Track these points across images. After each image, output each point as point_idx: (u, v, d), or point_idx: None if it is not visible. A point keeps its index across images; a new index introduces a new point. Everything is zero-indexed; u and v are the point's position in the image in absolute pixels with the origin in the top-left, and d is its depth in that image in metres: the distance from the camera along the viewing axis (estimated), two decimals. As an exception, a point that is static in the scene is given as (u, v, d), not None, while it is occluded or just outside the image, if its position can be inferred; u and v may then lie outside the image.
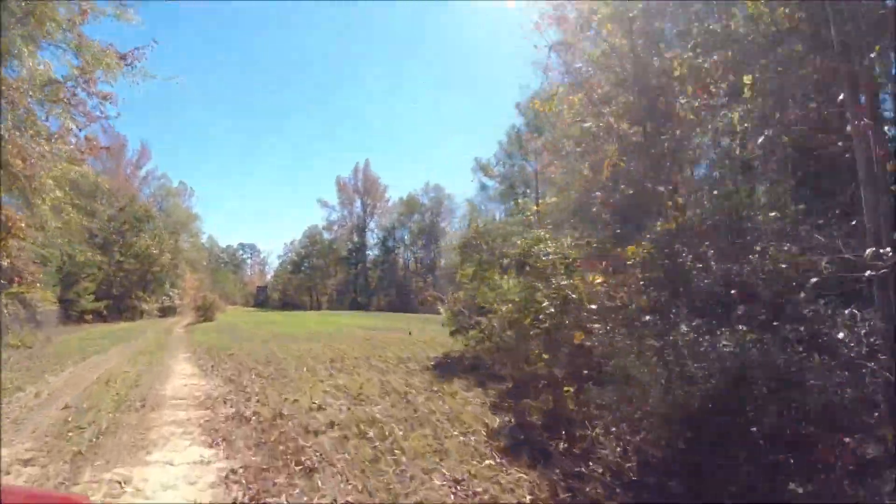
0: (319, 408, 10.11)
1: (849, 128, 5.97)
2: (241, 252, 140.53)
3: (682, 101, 9.26)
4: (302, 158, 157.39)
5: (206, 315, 39.68)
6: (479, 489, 6.31)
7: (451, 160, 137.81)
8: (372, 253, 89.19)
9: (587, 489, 6.39)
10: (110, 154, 58.97)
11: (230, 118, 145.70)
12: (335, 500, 5.98)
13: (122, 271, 56.60)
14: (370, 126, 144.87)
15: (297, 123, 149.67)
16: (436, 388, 11.83)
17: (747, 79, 7.43)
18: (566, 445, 7.74)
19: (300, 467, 6.91)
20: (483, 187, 63.25)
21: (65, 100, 14.74)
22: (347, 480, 6.52)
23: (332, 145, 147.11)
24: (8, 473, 6.59)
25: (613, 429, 7.48)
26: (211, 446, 7.92)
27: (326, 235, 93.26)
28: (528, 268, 11.53)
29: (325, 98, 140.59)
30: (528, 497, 6.21)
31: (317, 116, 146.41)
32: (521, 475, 6.79)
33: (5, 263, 19.61)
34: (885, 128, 6.60)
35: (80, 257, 43.54)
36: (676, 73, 8.94)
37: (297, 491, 6.20)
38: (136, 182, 63.77)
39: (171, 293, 65.04)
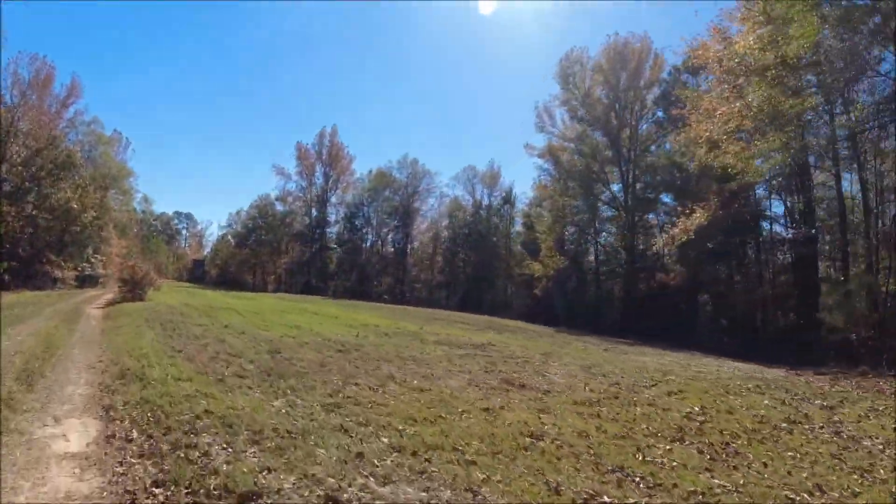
0: None
1: None
2: (175, 221, 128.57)
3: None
4: (255, 121, 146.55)
5: (133, 291, 30.66)
6: None
7: (429, 136, 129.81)
8: (333, 231, 79.88)
9: None
10: (33, 85, 49.09)
11: (178, 65, 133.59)
12: None
13: (33, 228, 46.38)
14: (339, 90, 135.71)
15: (256, 82, 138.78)
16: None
17: None
18: None
19: None
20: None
21: None
22: None
23: (293, 110, 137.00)
24: None
25: None
26: None
27: (279, 207, 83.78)
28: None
29: (289, 56, 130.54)
30: None
31: (279, 77, 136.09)
32: None
33: None
34: None
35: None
36: None
37: None
38: (60, 124, 52.42)
39: (92, 259, 54.88)
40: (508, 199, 62.75)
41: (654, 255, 43.08)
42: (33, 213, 46.48)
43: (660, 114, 42.95)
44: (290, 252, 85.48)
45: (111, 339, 14.01)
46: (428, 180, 73.76)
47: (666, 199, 43.01)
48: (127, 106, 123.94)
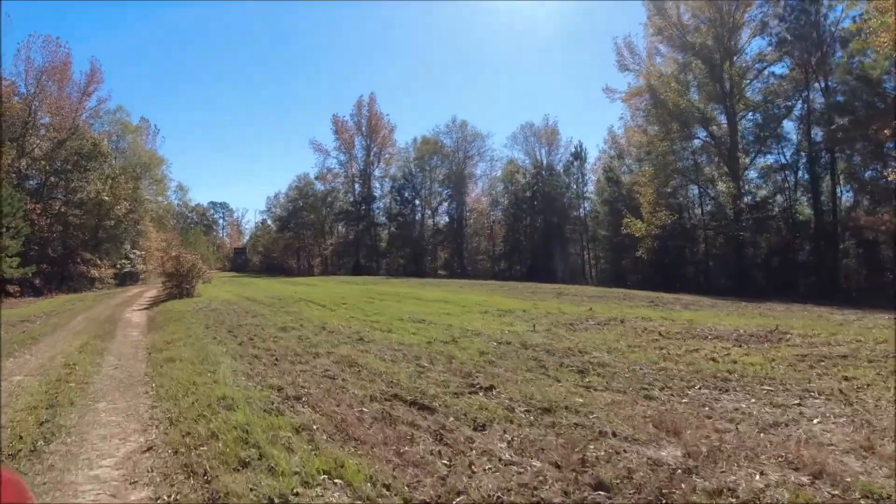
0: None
1: None
2: (211, 211, 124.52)
3: None
4: (285, 98, 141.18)
5: (180, 286, 25.65)
6: None
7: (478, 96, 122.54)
8: (379, 207, 74.28)
9: None
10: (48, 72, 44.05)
11: (199, 49, 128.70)
12: None
13: (64, 225, 41.85)
14: (373, 59, 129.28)
15: (280, 57, 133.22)
16: None
17: None
18: None
19: None
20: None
21: None
22: None
23: (326, 83, 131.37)
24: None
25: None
26: None
27: (319, 186, 78.42)
28: None
29: (316, 26, 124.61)
30: None
31: (306, 49, 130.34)
32: None
33: None
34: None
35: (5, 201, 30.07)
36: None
37: None
38: (83, 114, 47.26)
39: (131, 255, 50.36)
40: (578, 156, 55.94)
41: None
42: (62, 209, 41.92)
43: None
44: (335, 232, 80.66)
45: (162, 375, 8.38)
46: (479, 143, 67.51)
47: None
48: (147, 92, 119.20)
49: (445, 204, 69.42)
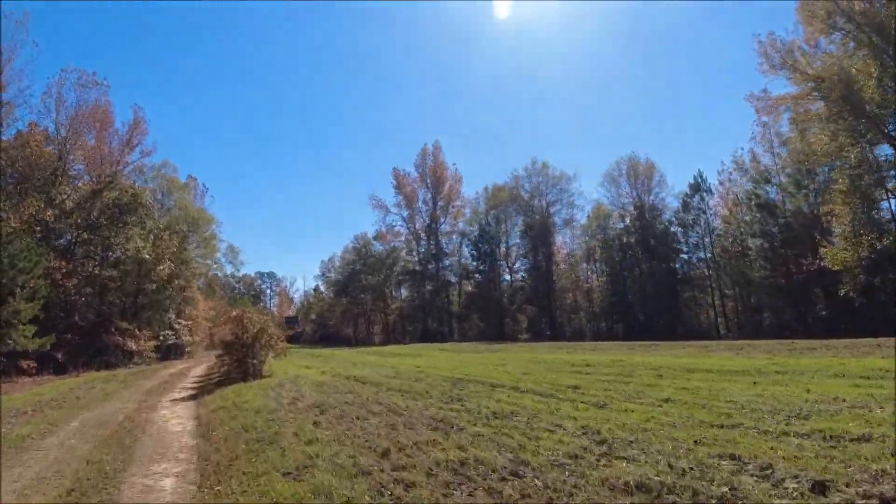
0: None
1: None
2: (259, 282, 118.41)
3: None
4: (337, 158, 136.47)
5: (245, 360, 17.54)
6: None
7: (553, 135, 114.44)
8: (449, 264, 66.22)
9: None
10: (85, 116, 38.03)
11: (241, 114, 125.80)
12: None
13: (97, 288, 34.68)
14: (434, 108, 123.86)
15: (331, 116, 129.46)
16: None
17: None
18: None
19: None
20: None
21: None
22: None
23: (379, 133, 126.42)
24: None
25: None
26: None
27: (379, 247, 71.14)
28: None
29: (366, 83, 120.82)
30: None
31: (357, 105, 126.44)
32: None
33: None
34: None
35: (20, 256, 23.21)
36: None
37: None
38: (124, 168, 40.95)
39: (175, 325, 42.85)
40: (699, 188, 46.49)
41: None
42: (95, 270, 34.85)
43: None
44: (399, 296, 72.76)
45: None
46: (564, 186, 59.16)
47: None
48: (187, 152, 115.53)
49: (529, 258, 60.47)
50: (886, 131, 28.36)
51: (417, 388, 12.44)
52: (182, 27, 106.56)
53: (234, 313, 20.34)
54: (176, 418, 11.01)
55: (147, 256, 36.41)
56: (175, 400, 14.18)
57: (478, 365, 18.80)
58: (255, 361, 17.97)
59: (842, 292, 28.36)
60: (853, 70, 28.00)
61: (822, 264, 30.19)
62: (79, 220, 34.63)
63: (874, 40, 28.44)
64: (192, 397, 14.54)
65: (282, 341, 21.20)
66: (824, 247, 29.13)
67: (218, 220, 53.98)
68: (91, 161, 36.96)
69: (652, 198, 52.93)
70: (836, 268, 27.98)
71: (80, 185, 35.81)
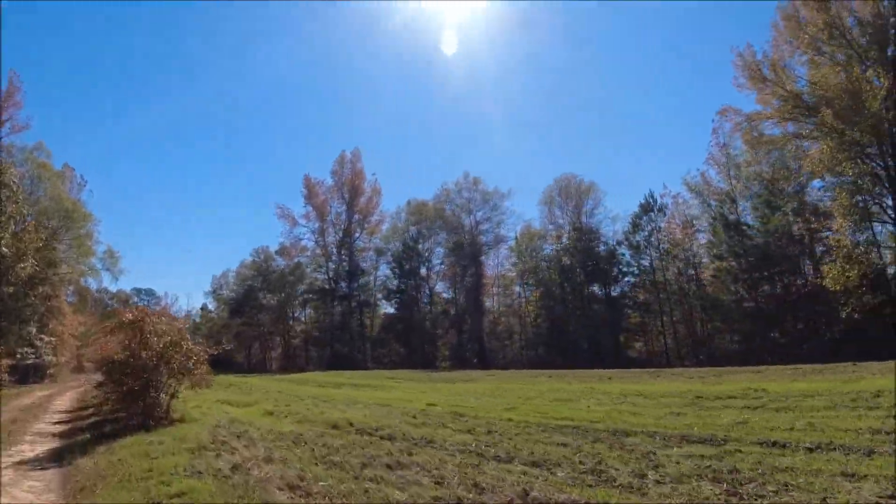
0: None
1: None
2: (135, 299, 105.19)
3: None
4: (231, 171, 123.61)
5: (140, 397, 11.60)
6: None
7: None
8: (372, 283, 60.78)
9: None
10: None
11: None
12: None
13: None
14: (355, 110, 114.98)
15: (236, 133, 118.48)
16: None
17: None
18: None
19: None
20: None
21: None
22: None
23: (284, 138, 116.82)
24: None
25: None
26: None
27: (281, 262, 64.53)
28: None
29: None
30: None
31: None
32: None
33: None
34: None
35: None
36: None
37: None
38: None
39: (37, 341, 34.44)
40: (650, 208, 44.18)
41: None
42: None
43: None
44: (303, 317, 65.98)
45: None
46: (497, 203, 55.39)
47: None
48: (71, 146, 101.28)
49: (458, 279, 55.63)
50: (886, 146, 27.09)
51: (507, 447, 7.51)
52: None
53: (128, 316, 13.47)
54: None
55: (5, 250, 28.41)
56: (24, 463, 8.16)
57: (526, 398, 14.00)
58: (161, 395, 11.96)
59: (843, 314, 26.45)
60: (861, 83, 26.40)
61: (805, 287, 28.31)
62: None
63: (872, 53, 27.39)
64: (55, 458, 8.57)
65: (203, 364, 13.35)
66: (827, 266, 27.21)
67: (96, 218, 45.14)
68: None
69: (592, 219, 50.55)
70: (837, 288, 25.89)
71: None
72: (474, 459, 7.20)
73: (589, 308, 46.30)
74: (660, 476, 5.92)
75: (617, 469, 6.26)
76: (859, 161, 26.44)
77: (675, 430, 8.60)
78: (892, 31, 26.81)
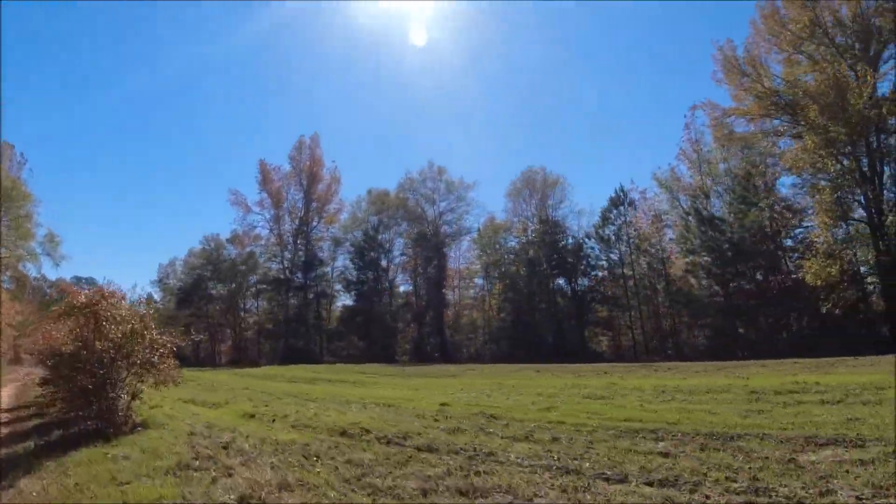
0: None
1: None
2: (77, 287, 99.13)
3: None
4: (179, 154, 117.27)
5: (95, 397, 9.81)
6: None
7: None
8: (331, 273, 59.03)
9: None
10: None
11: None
12: None
13: None
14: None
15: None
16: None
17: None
18: None
19: None
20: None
21: None
22: None
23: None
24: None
25: None
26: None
27: (233, 251, 62.03)
28: None
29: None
30: None
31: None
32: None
33: None
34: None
35: None
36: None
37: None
38: None
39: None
40: (620, 202, 44.08)
41: None
42: None
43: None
44: (255, 308, 63.65)
45: None
46: (462, 194, 54.67)
47: None
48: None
49: (420, 271, 54.75)
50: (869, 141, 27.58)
51: (598, 460, 6.72)
52: None
53: (80, 298, 11.27)
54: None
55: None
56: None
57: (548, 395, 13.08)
58: (120, 395, 10.15)
59: (824, 309, 26.91)
60: (847, 81, 26.75)
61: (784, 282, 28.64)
62: None
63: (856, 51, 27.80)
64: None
65: (169, 357, 11.34)
66: (808, 261, 27.54)
67: (37, 199, 41.95)
68: None
69: (558, 212, 50.43)
70: (818, 283, 26.24)
71: None
72: (573, 479, 5.84)
73: (554, 302, 46.11)
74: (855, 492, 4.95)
75: (785, 485, 5.26)
76: (841, 158, 26.86)
77: (782, 431, 7.76)
78: (876, 29, 27.28)
